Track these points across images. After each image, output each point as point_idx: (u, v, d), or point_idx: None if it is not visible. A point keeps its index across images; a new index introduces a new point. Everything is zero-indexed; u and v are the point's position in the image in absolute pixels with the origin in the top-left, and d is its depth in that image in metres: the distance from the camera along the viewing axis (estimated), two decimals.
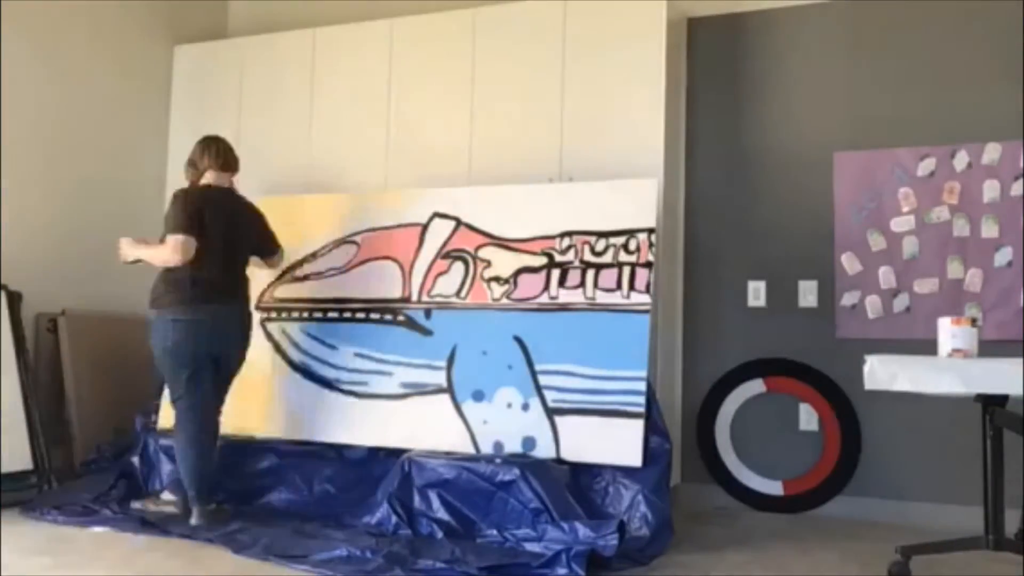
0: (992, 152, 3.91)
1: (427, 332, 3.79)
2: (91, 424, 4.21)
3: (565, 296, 3.63)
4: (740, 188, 4.31)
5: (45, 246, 4.30)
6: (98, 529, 3.36)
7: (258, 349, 3.97)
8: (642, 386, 3.38)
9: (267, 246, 3.84)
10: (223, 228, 3.55)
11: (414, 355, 3.77)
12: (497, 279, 3.76)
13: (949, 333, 2.84)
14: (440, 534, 3.22)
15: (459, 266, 3.84)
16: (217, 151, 3.69)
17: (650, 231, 3.60)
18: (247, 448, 3.82)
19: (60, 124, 4.41)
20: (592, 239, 3.67)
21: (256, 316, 4.03)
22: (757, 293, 4.23)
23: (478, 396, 3.61)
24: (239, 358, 3.67)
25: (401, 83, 4.46)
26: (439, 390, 3.67)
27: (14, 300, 4.04)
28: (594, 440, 3.38)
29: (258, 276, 3.97)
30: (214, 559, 3.00)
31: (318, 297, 4.04)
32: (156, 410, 4.04)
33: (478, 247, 3.84)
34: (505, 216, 3.84)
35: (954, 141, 3.97)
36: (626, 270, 3.57)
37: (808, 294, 4.14)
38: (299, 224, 4.17)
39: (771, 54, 4.32)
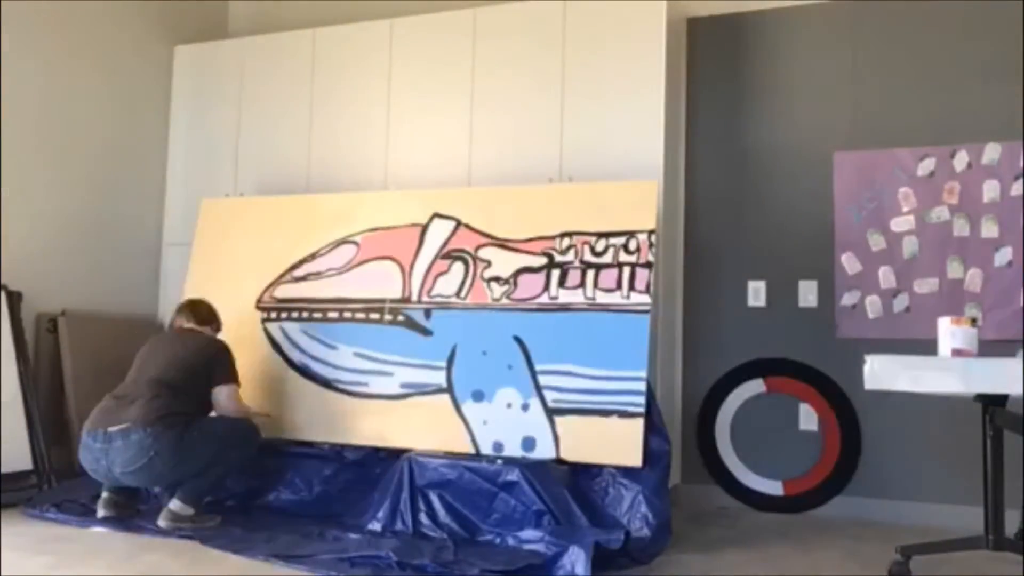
0: (992, 152, 3.91)
1: (427, 332, 3.79)
2: None
3: (565, 296, 3.63)
4: (740, 188, 4.31)
5: (45, 246, 4.30)
6: (98, 529, 3.36)
7: (258, 349, 3.98)
8: (642, 386, 3.38)
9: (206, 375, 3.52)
10: (149, 356, 3.55)
11: (414, 355, 3.77)
12: (497, 279, 3.76)
13: (949, 333, 2.84)
14: (441, 534, 3.22)
15: (459, 266, 3.84)
16: (182, 309, 3.78)
17: (650, 231, 3.60)
18: None
19: (60, 124, 4.41)
20: (592, 239, 3.67)
21: (256, 316, 4.04)
22: (757, 293, 4.23)
23: (478, 396, 3.61)
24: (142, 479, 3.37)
25: (401, 83, 4.46)
26: (439, 390, 3.67)
27: (14, 300, 4.04)
28: (594, 440, 3.38)
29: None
30: (215, 560, 3.00)
31: (318, 297, 4.03)
32: None
33: (478, 247, 3.84)
34: (505, 216, 3.84)
35: (954, 141, 3.97)
36: (626, 270, 3.57)
37: (808, 294, 4.15)
38: (299, 224, 4.18)
39: (771, 54, 4.32)
